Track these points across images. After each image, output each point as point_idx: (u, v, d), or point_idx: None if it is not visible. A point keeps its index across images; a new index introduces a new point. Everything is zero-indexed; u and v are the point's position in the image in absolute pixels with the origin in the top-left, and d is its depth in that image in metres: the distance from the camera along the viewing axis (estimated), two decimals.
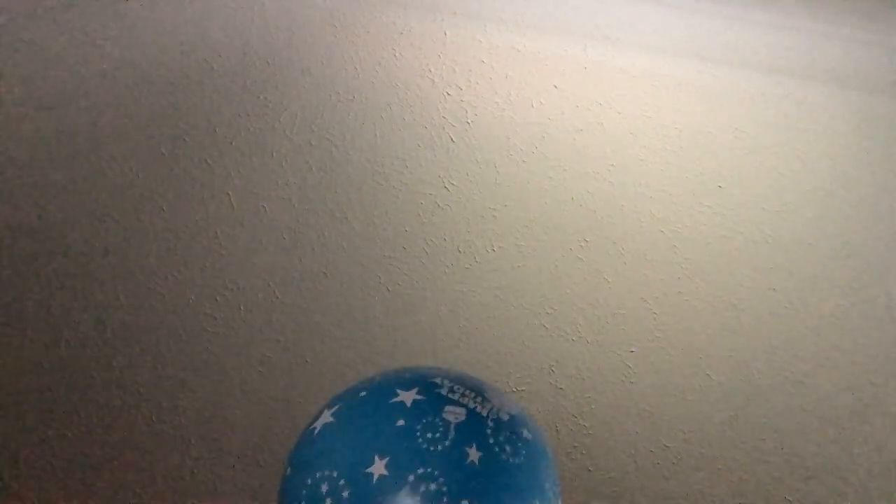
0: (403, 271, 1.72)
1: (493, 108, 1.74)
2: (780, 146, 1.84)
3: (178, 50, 1.62)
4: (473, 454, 0.84)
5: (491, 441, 0.87)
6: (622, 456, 1.82)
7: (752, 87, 1.83)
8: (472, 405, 0.89)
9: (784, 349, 1.86)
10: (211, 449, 1.66)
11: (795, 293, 1.86)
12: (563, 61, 1.76)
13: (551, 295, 1.78)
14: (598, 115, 1.78)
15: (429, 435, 0.85)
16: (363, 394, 0.94)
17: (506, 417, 0.91)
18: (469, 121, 1.73)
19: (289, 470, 0.91)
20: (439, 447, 0.84)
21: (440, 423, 0.86)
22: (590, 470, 1.80)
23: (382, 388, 0.93)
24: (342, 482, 0.83)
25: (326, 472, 0.85)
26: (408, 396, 0.90)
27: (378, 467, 0.82)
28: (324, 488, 0.83)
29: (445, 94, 1.72)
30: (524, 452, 0.89)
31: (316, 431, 0.91)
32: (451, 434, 0.85)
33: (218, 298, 1.65)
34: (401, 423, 0.86)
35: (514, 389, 1.78)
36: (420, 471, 0.82)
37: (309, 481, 0.86)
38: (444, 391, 0.91)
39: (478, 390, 0.93)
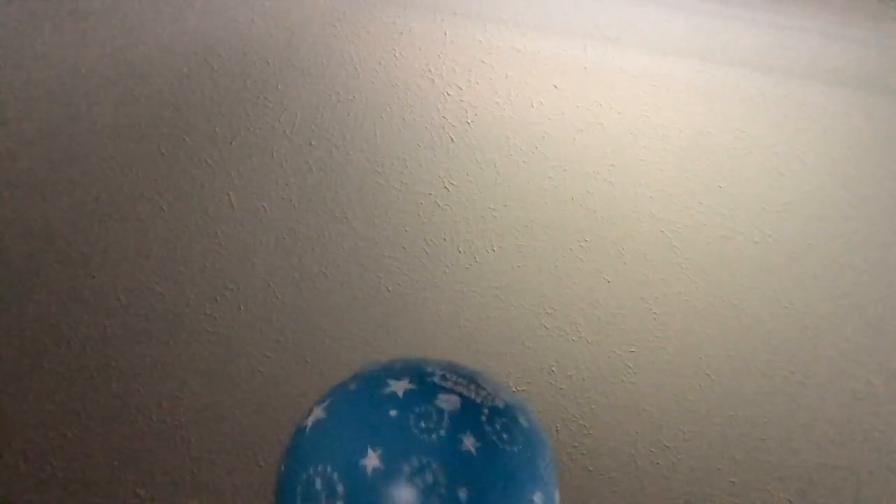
0: (403, 271, 1.72)
1: (493, 108, 1.74)
2: (780, 146, 1.84)
3: (178, 50, 1.62)
4: (469, 442, 0.83)
5: (487, 429, 0.85)
6: (622, 456, 1.82)
7: (752, 87, 1.83)
8: (465, 393, 0.88)
9: (784, 349, 1.86)
10: (211, 449, 1.66)
11: (795, 293, 1.86)
12: (563, 61, 1.76)
13: (551, 295, 1.78)
14: (598, 115, 1.78)
15: (422, 424, 0.84)
16: (353, 387, 0.93)
17: (501, 405, 0.90)
18: (469, 121, 1.73)
19: (283, 467, 0.91)
20: (434, 436, 0.83)
21: (434, 412, 0.85)
22: (590, 470, 1.80)
23: (373, 380, 0.92)
24: (336, 476, 0.82)
25: (320, 467, 0.84)
26: (400, 387, 0.89)
27: (372, 459, 0.81)
28: (318, 483, 0.83)
29: (445, 94, 1.72)
30: (521, 440, 0.88)
31: (308, 428, 0.91)
32: (446, 422, 0.84)
33: (218, 298, 1.65)
34: (393, 413, 0.85)
35: (514, 389, 1.78)
36: (415, 461, 0.81)
37: (303, 477, 0.85)
38: (436, 379, 0.90)
39: (471, 378, 0.92)
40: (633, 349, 1.81)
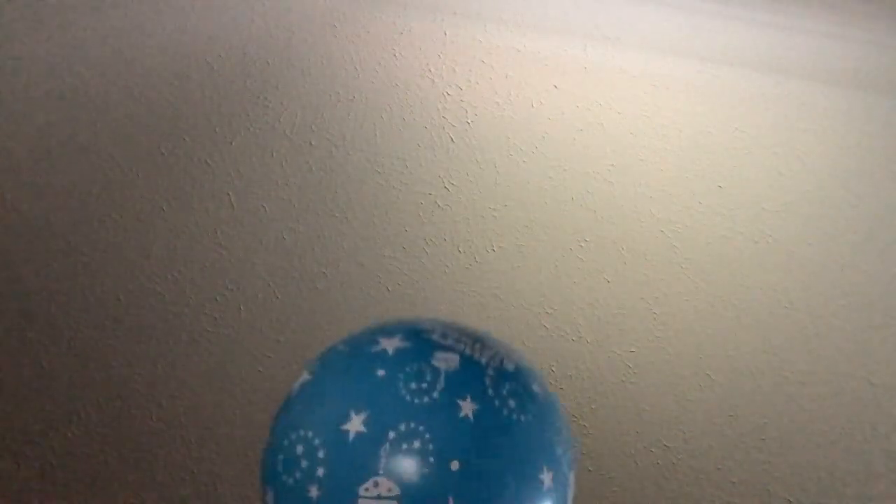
0: (403, 271, 1.72)
1: (493, 108, 1.74)
2: (780, 146, 1.84)
3: (178, 50, 1.62)
4: (467, 407, 0.73)
5: (490, 393, 0.75)
6: (622, 456, 1.82)
7: (752, 87, 1.83)
8: (468, 352, 0.77)
9: (784, 349, 1.86)
10: (211, 449, 1.66)
11: (795, 293, 1.86)
12: (563, 61, 1.76)
13: (551, 295, 1.77)
14: (598, 115, 1.78)
15: (413, 385, 0.73)
16: (342, 346, 0.84)
17: (510, 367, 0.79)
18: (469, 121, 1.73)
19: (270, 437, 0.84)
20: (425, 399, 0.72)
21: (428, 372, 0.74)
22: (590, 470, 1.80)
23: (363, 338, 0.82)
24: (317, 442, 0.74)
25: (301, 433, 0.76)
26: (390, 344, 0.78)
27: (355, 424, 0.72)
28: (299, 449, 0.75)
29: (445, 94, 1.72)
30: (531, 409, 0.77)
31: (293, 392, 0.84)
32: (441, 384, 0.74)
33: (218, 298, 1.65)
34: (381, 373, 0.75)
35: None
36: (402, 426, 0.71)
37: (285, 443, 0.78)
38: (434, 336, 0.79)
39: (476, 337, 0.81)
40: (633, 349, 1.81)
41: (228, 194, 1.65)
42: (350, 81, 1.69)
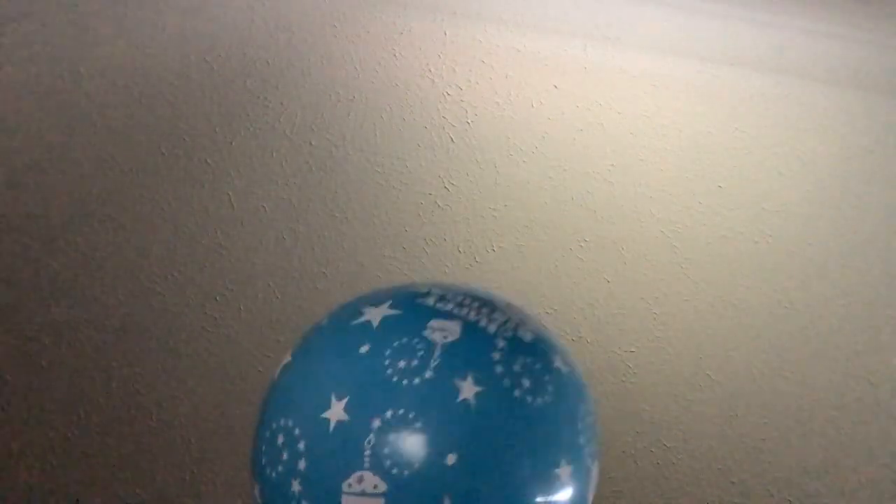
0: (403, 271, 1.72)
1: (493, 108, 1.74)
2: (780, 146, 1.84)
3: (179, 50, 1.62)
4: (467, 389, 0.58)
5: (499, 370, 0.60)
6: (622, 456, 1.82)
7: (752, 87, 1.83)
8: (472, 317, 0.62)
9: (784, 349, 1.86)
10: (211, 449, 1.66)
11: (795, 293, 1.85)
12: (563, 61, 1.76)
13: (551, 295, 1.77)
14: (598, 115, 1.78)
15: (402, 363, 0.60)
16: (324, 321, 0.72)
17: (527, 337, 0.64)
18: (469, 121, 1.73)
19: (256, 427, 0.76)
20: (416, 379, 0.59)
21: (420, 346, 0.60)
22: None
23: (345, 310, 0.70)
24: (298, 431, 0.65)
25: (282, 422, 0.68)
26: (376, 313, 0.64)
27: (336, 411, 0.62)
28: (280, 440, 0.67)
29: (445, 94, 1.72)
30: (551, 390, 0.62)
31: (276, 376, 0.75)
32: (436, 359, 0.59)
33: (218, 298, 1.65)
34: (364, 349, 0.63)
35: None
36: (388, 413, 0.59)
37: (267, 434, 0.70)
38: (429, 301, 0.64)
39: (485, 300, 0.66)
40: (633, 349, 1.81)
41: (228, 194, 1.65)
42: (350, 81, 1.69)
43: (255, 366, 1.67)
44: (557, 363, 0.64)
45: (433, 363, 0.59)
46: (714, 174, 1.82)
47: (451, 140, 1.73)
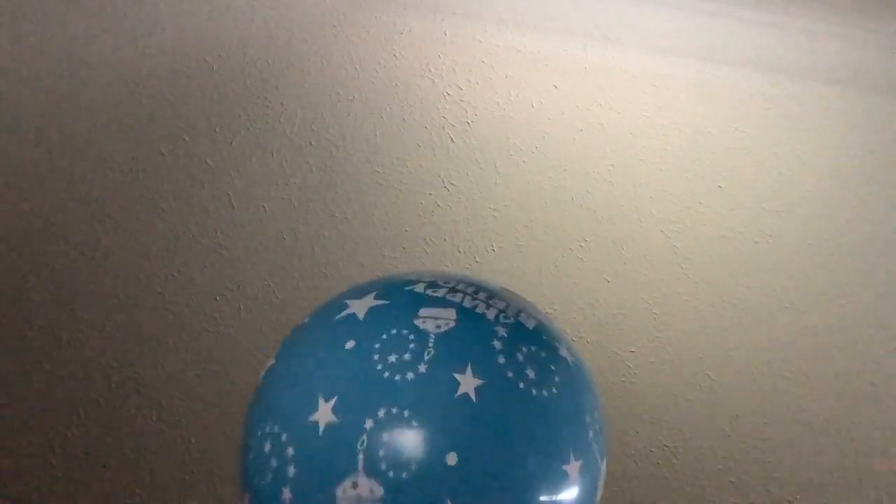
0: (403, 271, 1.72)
1: (493, 108, 1.74)
2: (780, 146, 1.84)
3: (179, 50, 1.62)
4: (467, 382, 0.53)
5: (500, 360, 0.54)
6: (622, 456, 1.82)
7: (752, 87, 1.83)
8: (467, 304, 0.56)
9: (784, 349, 1.86)
10: (211, 449, 1.66)
11: (795, 293, 1.85)
12: (563, 61, 1.76)
13: (551, 295, 1.77)
14: (598, 115, 1.78)
15: (392, 357, 0.54)
16: (307, 320, 0.67)
17: (530, 324, 0.58)
18: (469, 121, 1.73)
19: (243, 434, 0.72)
20: (409, 374, 0.54)
21: (411, 337, 0.55)
22: None
23: (328, 305, 0.65)
24: (285, 437, 0.60)
25: (268, 428, 0.63)
26: (361, 305, 0.59)
27: (323, 413, 0.57)
28: (267, 447, 0.62)
29: (445, 94, 1.72)
30: (558, 382, 0.57)
31: (261, 380, 0.70)
32: (430, 351, 0.54)
33: (218, 298, 1.65)
34: (350, 345, 0.57)
35: None
36: (381, 412, 0.54)
37: (254, 442, 0.65)
38: (419, 288, 0.58)
39: (481, 285, 0.60)
40: (633, 349, 1.81)
41: (228, 194, 1.65)
42: (350, 81, 1.69)
43: (255, 366, 1.67)
44: (563, 352, 0.59)
45: (427, 356, 0.54)
46: (714, 174, 1.82)
47: (451, 140, 1.73)
